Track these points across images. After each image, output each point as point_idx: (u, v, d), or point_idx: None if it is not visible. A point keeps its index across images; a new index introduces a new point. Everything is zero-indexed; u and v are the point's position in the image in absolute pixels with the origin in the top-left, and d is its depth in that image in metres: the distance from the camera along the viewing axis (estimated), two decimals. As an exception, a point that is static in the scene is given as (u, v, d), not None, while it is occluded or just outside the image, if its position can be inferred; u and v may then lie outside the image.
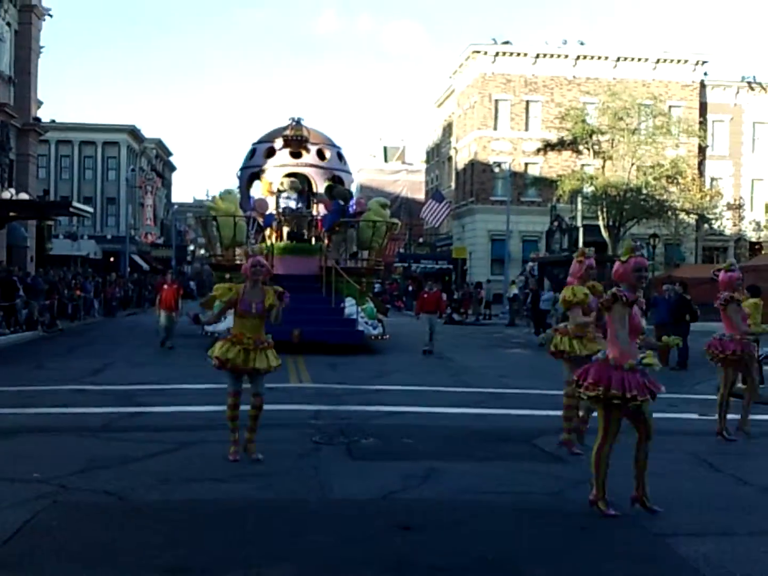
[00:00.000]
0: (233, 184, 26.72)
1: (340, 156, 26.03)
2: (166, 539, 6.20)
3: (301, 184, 24.77)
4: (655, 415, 12.48)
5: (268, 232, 23.63)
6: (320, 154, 25.26)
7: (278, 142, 24.71)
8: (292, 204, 24.47)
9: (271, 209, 24.07)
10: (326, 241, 23.30)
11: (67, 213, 35.70)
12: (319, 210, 24.79)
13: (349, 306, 21.79)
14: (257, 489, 7.67)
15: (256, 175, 25.58)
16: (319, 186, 24.78)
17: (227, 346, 9.14)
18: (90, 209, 38.38)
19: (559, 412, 12.35)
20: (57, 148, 67.12)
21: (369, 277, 24.22)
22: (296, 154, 24.75)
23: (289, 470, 8.44)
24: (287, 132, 24.36)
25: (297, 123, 24.46)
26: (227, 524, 6.57)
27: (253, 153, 25.82)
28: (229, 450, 8.89)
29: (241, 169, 26.19)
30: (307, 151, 24.70)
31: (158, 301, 22.10)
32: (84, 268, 44.09)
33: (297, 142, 24.38)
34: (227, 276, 20.84)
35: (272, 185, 24.84)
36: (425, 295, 22.24)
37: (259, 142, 25.95)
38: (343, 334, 20.93)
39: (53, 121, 56.57)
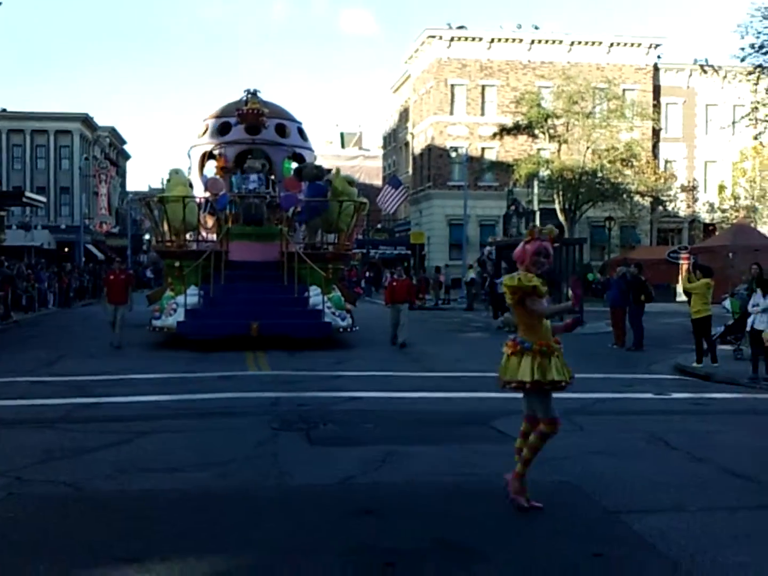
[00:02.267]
0: (186, 165, 24.30)
1: (301, 132, 23.73)
2: (124, 529, 6.15)
3: (260, 163, 22.27)
4: (611, 395, 12.75)
5: (222, 214, 21.42)
6: (279, 130, 22.82)
7: (233, 117, 22.35)
8: (251, 185, 21.78)
9: (226, 190, 21.63)
10: (284, 225, 21.24)
11: (19, 203, 35.21)
12: (277, 191, 22.20)
13: (314, 295, 19.82)
14: (215, 477, 7.64)
15: (210, 153, 23.25)
16: (278, 164, 22.78)
17: (537, 361, 6.54)
18: (43, 199, 37.85)
19: (518, 394, 12.49)
20: (8, 137, 66.08)
21: (336, 262, 21.87)
22: (253, 130, 22.29)
23: (248, 458, 8.41)
24: (242, 106, 22.01)
25: (253, 94, 22.14)
26: (184, 513, 6.54)
27: (205, 129, 23.37)
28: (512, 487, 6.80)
29: (192, 147, 23.82)
30: (265, 126, 22.23)
31: (105, 294, 20.14)
32: (38, 259, 43.50)
33: (254, 116, 21.91)
34: (177, 264, 20.22)
35: (227, 163, 22.54)
36: (394, 284, 20.51)
37: (212, 117, 23.54)
38: (307, 327, 19.21)
39: (4, 110, 55.81)
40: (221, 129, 22.79)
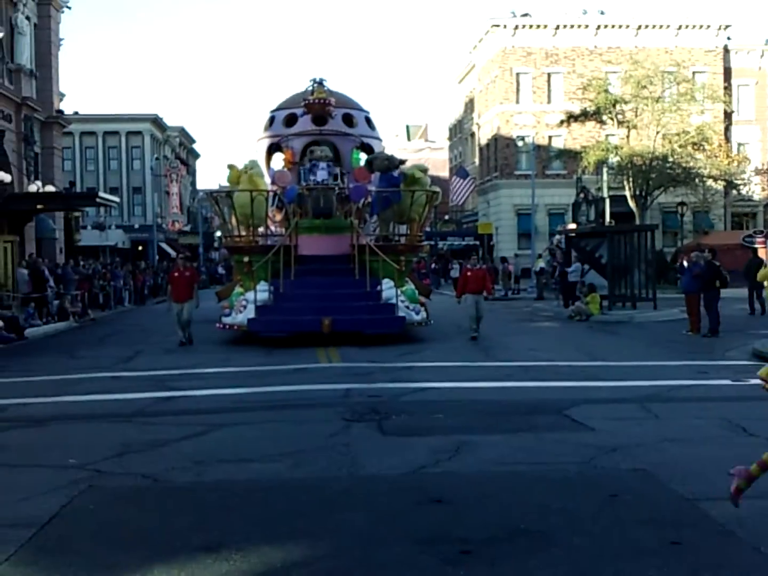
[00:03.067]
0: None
1: (368, 121, 22.85)
2: (200, 520, 6.27)
3: (328, 153, 21.28)
4: (687, 382, 12.54)
5: (290, 208, 20.66)
6: (347, 120, 22.07)
7: (299, 108, 21.66)
8: (319, 176, 20.84)
9: (294, 182, 20.90)
10: (355, 217, 20.55)
11: (93, 204, 35.96)
12: (346, 182, 21.28)
13: (387, 289, 19.00)
14: (289, 468, 7.73)
15: (276, 145, 22.42)
16: (346, 154, 22.07)
17: None
18: (116, 199, 38.58)
19: (591, 383, 12.39)
20: (81, 139, 67.49)
21: (408, 254, 21.00)
22: (320, 120, 21.57)
23: (321, 449, 8.49)
24: (308, 96, 21.34)
25: (319, 84, 21.43)
26: (259, 503, 6.64)
27: (271, 121, 22.74)
28: None
29: (259, 140, 23.18)
30: (332, 116, 21.51)
31: (169, 292, 19.54)
32: (113, 258, 44.45)
33: (320, 106, 21.19)
34: (246, 259, 19.61)
35: (294, 156, 21.70)
36: (468, 273, 19.62)
37: (278, 109, 22.87)
38: (381, 322, 18.47)
39: (76, 113, 56.95)
40: (287, 120, 22.14)
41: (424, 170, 21.33)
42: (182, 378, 13.78)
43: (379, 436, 9.12)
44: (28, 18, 31.61)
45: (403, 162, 21.44)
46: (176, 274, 19.32)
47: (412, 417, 10.11)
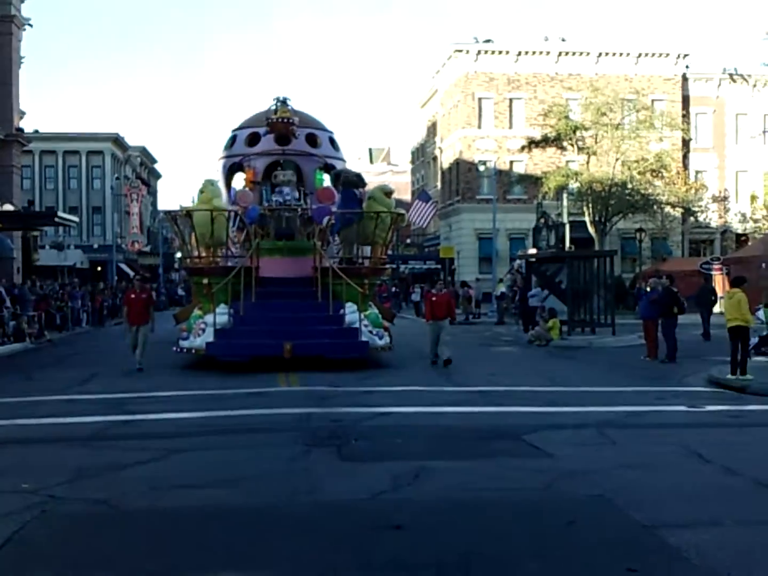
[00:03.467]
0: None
1: (332, 142, 22.55)
2: (155, 546, 6.18)
3: (290, 174, 21.18)
4: (644, 408, 12.65)
5: (252, 228, 20.13)
6: (310, 140, 21.66)
7: (262, 127, 21.23)
8: (282, 197, 20.68)
9: (256, 202, 20.59)
10: (318, 239, 20.03)
11: (52, 223, 35.68)
12: (308, 203, 21.07)
13: (350, 313, 18.63)
14: (247, 494, 7.66)
15: (238, 165, 21.99)
16: (309, 175, 21.70)
17: None
18: (75, 219, 38.27)
19: (549, 408, 12.44)
20: (41, 158, 66.89)
21: (372, 278, 20.75)
22: (283, 140, 21.17)
23: (280, 473, 8.43)
24: (272, 115, 20.82)
25: (283, 103, 20.93)
26: (217, 530, 6.55)
27: (233, 140, 22.32)
28: None
29: (220, 160, 22.68)
30: (295, 136, 21.09)
31: (125, 315, 19.05)
32: (71, 278, 43.95)
33: (283, 125, 20.72)
34: (205, 281, 19.09)
35: (256, 175, 21.38)
36: (433, 299, 19.41)
37: (240, 127, 22.49)
38: (343, 347, 18.20)
39: (36, 132, 56.44)
40: (250, 140, 21.77)
41: (389, 192, 21.06)
42: (139, 401, 13.62)
43: (338, 461, 9.08)
44: (-13, 35, 31.37)
45: (365, 184, 21.41)
46: (132, 296, 18.78)
47: (372, 442, 10.08)
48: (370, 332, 18.85)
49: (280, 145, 21.31)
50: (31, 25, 37.12)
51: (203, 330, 18.53)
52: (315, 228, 20.56)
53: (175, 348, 19.13)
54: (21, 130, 35.88)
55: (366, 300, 19.59)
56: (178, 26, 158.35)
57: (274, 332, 17.91)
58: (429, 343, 19.17)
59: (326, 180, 22.10)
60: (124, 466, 8.80)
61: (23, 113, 37.95)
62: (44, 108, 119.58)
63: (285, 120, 20.74)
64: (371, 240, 20.17)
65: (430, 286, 49.04)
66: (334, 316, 18.64)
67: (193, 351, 18.58)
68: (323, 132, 22.43)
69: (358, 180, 20.72)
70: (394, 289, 49.39)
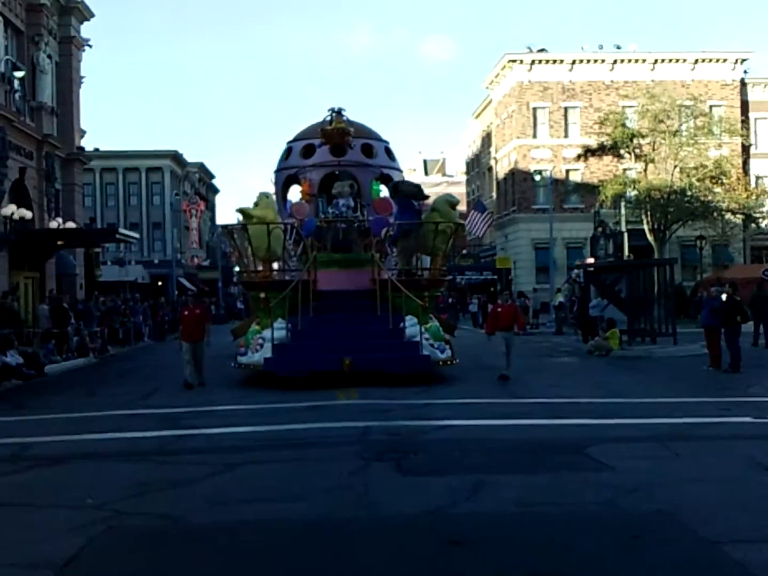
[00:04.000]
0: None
1: (388, 152, 22.12)
2: (219, 563, 6.24)
3: (348, 185, 20.76)
4: (707, 419, 12.42)
5: (309, 241, 19.89)
6: (366, 150, 21.34)
7: (317, 139, 21.04)
8: (338, 208, 20.37)
9: (312, 215, 20.33)
10: (375, 251, 19.61)
11: (113, 240, 36.20)
12: (365, 214, 20.68)
13: (411, 326, 18.17)
14: (308, 508, 7.69)
15: (294, 177, 21.77)
16: (365, 186, 21.18)
17: None
18: (136, 235, 38.89)
19: (611, 420, 12.29)
20: (102, 175, 68.20)
21: (432, 289, 20.26)
22: (338, 151, 20.94)
23: (340, 488, 8.45)
24: (326, 126, 20.72)
25: (338, 113, 20.83)
26: (278, 545, 6.60)
27: (288, 152, 22.02)
28: None
29: (276, 172, 22.38)
30: (351, 146, 20.86)
31: (180, 332, 18.75)
32: (132, 293, 44.67)
33: (339, 136, 20.56)
34: (262, 296, 18.97)
35: (312, 187, 21.07)
36: (499, 309, 18.92)
37: (295, 139, 22.12)
38: (404, 361, 17.61)
39: (97, 150, 57.62)
40: (305, 151, 21.46)
41: (455, 203, 20.59)
42: (199, 416, 13.77)
43: (398, 475, 9.08)
44: (49, 56, 32.09)
45: (427, 197, 21.09)
46: (186, 312, 18.63)
47: (431, 456, 10.06)
48: (431, 345, 18.35)
49: (336, 156, 21.05)
50: (90, 46, 37.88)
51: (261, 345, 18.35)
52: (372, 239, 20.14)
53: (233, 363, 19.03)
54: (82, 148, 36.63)
55: (426, 312, 19.16)
56: (237, 41, 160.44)
57: (332, 347, 17.62)
58: (499, 354, 18.56)
59: (383, 191, 21.73)
60: (187, 480, 8.91)
61: (84, 132, 38.73)
62: (104, 126, 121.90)
63: (340, 131, 20.56)
64: (431, 251, 19.85)
65: (487, 297, 49.17)
66: (394, 329, 18.21)
67: (251, 367, 18.41)
68: (379, 142, 22.07)
69: (417, 190, 20.37)
70: (450, 300, 49.25)
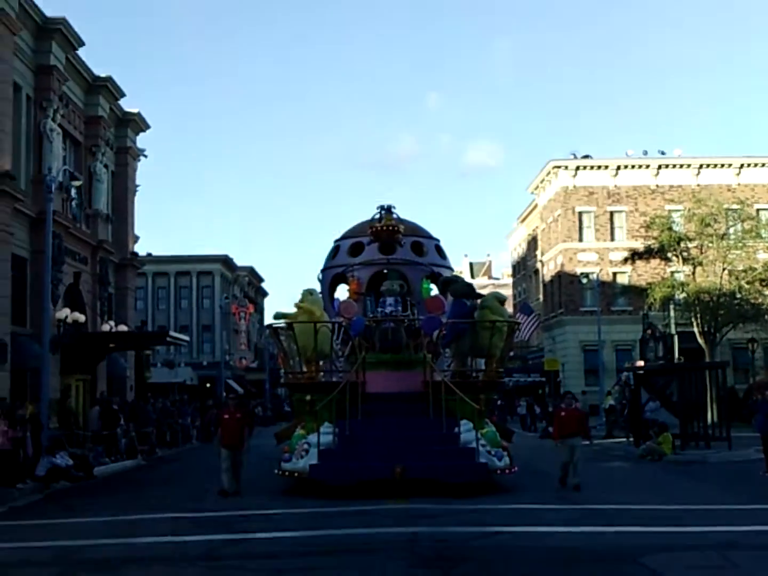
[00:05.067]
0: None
1: (439, 250, 21.59)
2: None
3: (398, 284, 20.12)
4: (765, 527, 12.02)
5: (357, 341, 19.08)
6: (416, 248, 20.88)
7: (365, 237, 20.62)
8: (388, 308, 19.67)
9: (360, 314, 19.64)
10: (427, 351, 18.76)
11: (164, 342, 36.80)
12: (416, 313, 20.14)
13: (466, 431, 17.21)
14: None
15: (341, 276, 21.24)
16: (416, 284, 20.56)
17: None
18: (186, 338, 39.45)
19: (667, 528, 11.98)
20: (153, 279, 69.62)
21: (488, 392, 19.16)
22: (388, 249, 20.44)
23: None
24: (376, 224, 20.27)
25: (387, 211, 20.33)
26: None
27: (336, 251, 21.51)
28: None
29: (323, 270, 21.75)
30: (401, 244, 20.40)
31: (219, 436, 17.75)
32: (181, 395, 44.99)
33: (388, 233, 20.10)
34: (308, 398, 18.08)
35: (360, 286, 20.48)
36: (562, 414, 17.98)
37: (343, 237, 21.68)
38: (460, 469, 16.42)
39: (149, 255, 58.99)
40: (353, 249, 20.96)
41: (503, 300, 19.95)
42: (249, 519, 13.70)
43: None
44: (106, 166, 33.28)
45: (480, 296, 20.26)
46: (226, 416, 17.76)
47: (482, 564, 9.86)
48: (488, 452, 17.25)
49: (385, 254, 20.59)
50: (145, 156, 39.21)
51: (306, 451, 17.34)
52: (423, 340, 19.35)
53: (276, 470, 17.93)
54: (135, 254, 37.54)
55: (482, 417, 18.10)
56: (281, 150, 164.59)
57: (383, 453, 16.53)
58: (561, 463, 17.53)
59: (433, 289, 21.03)
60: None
61: (137, 238, 39.75)
62: (157, 231, 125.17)
63: (390, 228, 20.12)
64: (486, 351, 18.71)
65: (534, 399, 48.63)
66: (448, 434, 17.15)
67: (296, 474, 17.28)
68: (429, 240, 21.59)
69: (470, 289, 19.74)
70: (499, 402, 48.87)
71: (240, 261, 77.33)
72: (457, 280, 20.72)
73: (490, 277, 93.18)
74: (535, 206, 64.71)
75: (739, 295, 42.84)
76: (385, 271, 20.84)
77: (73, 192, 29.57)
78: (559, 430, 17.68)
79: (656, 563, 9.56)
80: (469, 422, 17.31)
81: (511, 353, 69.84)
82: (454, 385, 17.41)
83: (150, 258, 57.35)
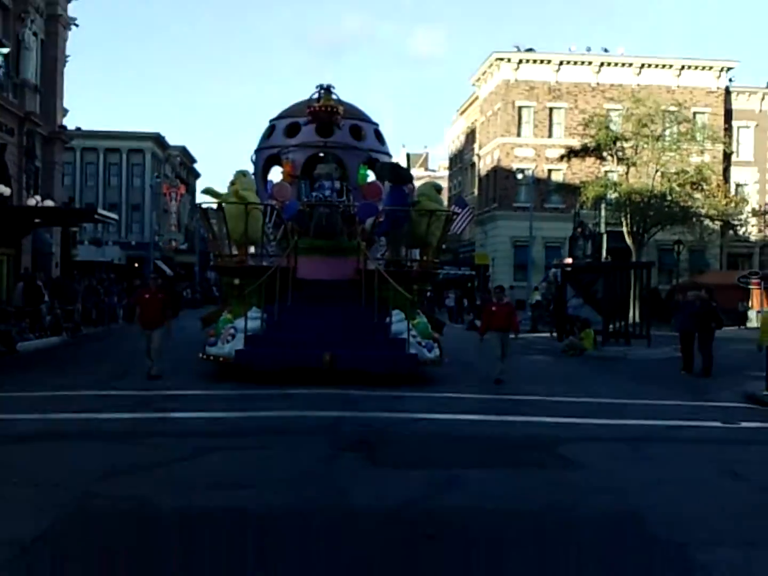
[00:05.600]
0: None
1: (378, 134, 20.56)
2: (187, 548, 6.19)
3: (331, 168, 19.33)
4: (679, 422, 12.50)
5: (290, 225, 18.35)
6: (354, 132, 19.84)
7: (302, 117, 19.40)
8: (323, 192, 18.90)
9: (294, 197, 18.74)
10: (362, 239, 18.33)
11: (92, 220, 35.90)
12: (351, 199, 19.44)
13: (398, 322, 16.70)
14: (276, 496, 7.65)
15: (275, 158, 20.18)
16: (352, 170, 19.74)
17: None
18: (115, 216, 38.52)
19: (584, 420, 12.33)
20: (82, 155, 67.70)
21: (422, 283, 18.75)
22: (325, 131, 19.41)
23: (311, 477, 8.41)
24: (314, 104, 19.06)
25: (326, 90, 19.15)
26: (247, 533, 6.56)
27: (271, 131, 20.41)
28: None
29: (257, 151, 20.69)
30: (339, 127, 19.32)
31: (138, 317, 16.84)
32: (108, 274, 44.40)
33: (327, 115, 18.97)
34: (236, 282, 17.50)
35: (295, 169, 19.49)
36: (494, 308, 17.33)
37: (279, 117, 20.54)
38: (390, 360, 16.20)
39: (79, 129, 57.20)
40: (289, 130, 19.87)
41: (440, 188, 19.39)
42: (171, 399, 13.67)
43: (369, 466, 9.07)
44: (35, 34, 31.75)
45: (412, 178, 19.78)
46: (147, 296, 16.73)
47: (404, 448, 10.05)
48: (419, 344, 16.88)
49: (322, 136, 19.55)
50: (77, 25, 37.50)
51: (233, 336, 16.78)
52: (358, 226, 18.82)
53: (201, 354, 17.34)
54: (64, 127, 36.28)
55: (414, 307, 17.72)
56: (221, 24, 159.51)
57: (312, 341, 16.11)
58: (495, 357, 17.00)
59: (371, 176, 20.27)
60: (158, 464, 8.85)
61: (66, 111, 38.36)
62: (87, 106, 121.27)
63: (328, 109, 19.02)
64: (423, 241, 18.36)
65: (463, 291, 49.15)
66: (379, 324, 16.76)
67: (221, 359, 16.73)
68: (369, 124, 20.53)
69: (407, 174, 18.92)
70: (428, 293, 49.31)
71: (173, 140, 75.56)
72: (394, 164, 19.94)
73: (426, 169, 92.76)
74: (476, 99, 64.12)
75: (669, 197, 43.52)
76: (321, 154, 20.00)
77: (0, 59, 28.25)
78: (488, 324, 17.23)
79: (572, 452, 9.84)
80: (401, 312, 16.86)
81: (443, 246, 70.55)
82: (388, 274, 16.95)
83: (79, 132, 55.65)
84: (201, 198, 19.83)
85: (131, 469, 8.56)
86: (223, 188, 18.35)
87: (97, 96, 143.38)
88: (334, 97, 19.33)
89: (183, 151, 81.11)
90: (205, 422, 11.60)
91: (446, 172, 79.81)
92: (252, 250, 18.54)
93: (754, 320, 40.26)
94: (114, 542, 6.28)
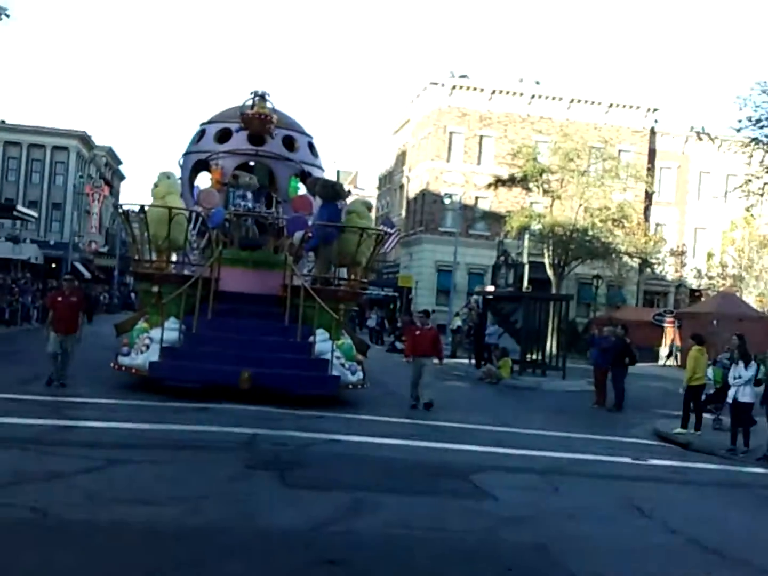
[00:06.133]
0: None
1: (311, 147, 20.13)
2: (89, 562, 6.04)
3: (261, 179, 19.09)
4: (589, 456, 12.71)
5: (215, 234, 17.70)
6: (287, 143, 19.31)
7: (235, 123, 18.78)
8: (249, 203, 18.53)
9: (221, 205, 17.98)
10: (289, 252, 17.76)
11: (10, 216, 35.13)
12: (280, 212, 19.11)
13: (321, 341, 16.26)
14: (184, 513, 7.52)
15: (204, 163, 19.53)
16: (283, 181, 19.32)
17: None
18: (34, 214, 37.79)
19: (497, 449, 12.44)
20: (5, 149, 66.08)
21: (349, 302, 18.44)
22: (257, 139, 18.84)
23: (219, 495, 8.30)
24: (247, 110, 18.46)
25: (261, 97, 18.56)
26: (149, 549, 6.43)
27: (201, 135, 19.74)
28: None
29: (185, 155, 19.94)
30: (272, 136, 18.77)
31: (50, 320, 15.87)
32: (24, 273, 43.31)
33: (260, 122, 18.40)
34: (155, 289, 16.77)
35: (224, 176, 18.82)
36: (417, 332, 17.45)
37: (210, 121, 19.95)
38: (311, 381, 15.96)
39: (3, 122, 55.89)
40: (220, 136, 19.23)
41: (369, 206, 19.29)
42: (82, 407, 13.36)
43: (280, 486, 8.98)
44: (-39, 21, 30.96)
45: (348, 195, 19.51)
46: (59, 298, 15.95)
47: (316, 470, 9.99)
48: (342, 365, 16.44)
49: (254, 144, 18.94)
50: (8, 15, 36.64)
51: (147, 346, 15.99)
52: (285, 240, 18.41)
53: (112, 364, 16.54)
54: (-13, 119, 35.42)
55: (339, 328, 17.34)
56: (153, 23, 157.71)
57: (231, 356, 15.59)
58: (410, 383, 17.16)
59: (302, 188, 19.76)
60: (62, 474, 8.62)
61: (-9, 102, 37.47)
62: (13, 99, 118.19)
63: (262, 116, 18.41)
64: (353, 259, 17.88)
65: (385, 312, 49.26)
66: (302, 343, 16.32)
67: (133, 371, 15.99)
68: (303, 135, 20.03)
69: (340, 190, 18.60)
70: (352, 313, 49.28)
71: (99, 140, 74.31)
72: (327, 180, 19.52)
73: (355, 187, 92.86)
74: (408, 121, 64.52)
75: (591, 232, 44.35)
76: (252, 163, 19.75)
77: None
78: (412, 349, 17.23)
79: (484, 481, 9.92)
80: (325, 332, 16.44)
81: (372, 265, 70.66)
82: (314, 291, 16.52)
83: (2, 125, 54.29)
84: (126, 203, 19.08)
85: (36, 478, 8.32)
86: (148, 192, 17.92)
87: (26, 89, 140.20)
88: (268, 105, 18.79)
89: (109, 152, 79.79)
90: (116, 433, 11.35)
91: (375, 192, 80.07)
92: (174, 257, 17.93)
93: (664, 358, 41.33)
94: (9, 553, 6.09)
